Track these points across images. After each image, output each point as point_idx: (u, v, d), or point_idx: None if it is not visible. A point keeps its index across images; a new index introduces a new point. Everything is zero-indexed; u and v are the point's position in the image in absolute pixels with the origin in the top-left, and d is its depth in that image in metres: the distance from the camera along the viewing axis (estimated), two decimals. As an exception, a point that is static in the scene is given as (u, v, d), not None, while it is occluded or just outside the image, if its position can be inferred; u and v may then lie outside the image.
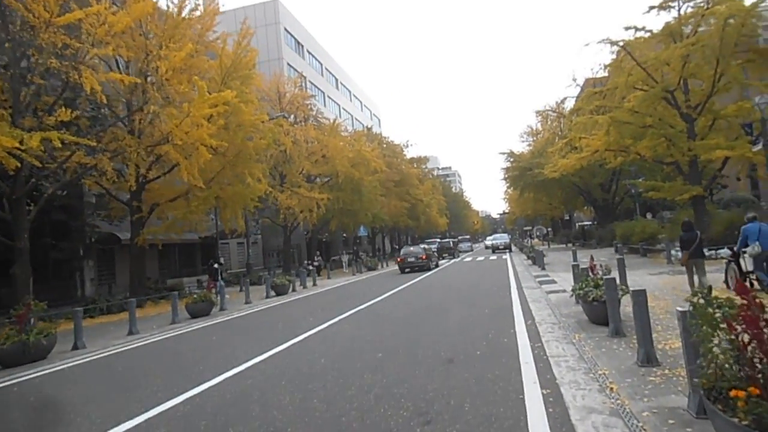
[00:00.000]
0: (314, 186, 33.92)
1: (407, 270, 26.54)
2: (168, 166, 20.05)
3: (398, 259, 28.58)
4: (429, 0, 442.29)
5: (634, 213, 38.59)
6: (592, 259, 8.37)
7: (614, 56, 21.16)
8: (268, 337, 8.93)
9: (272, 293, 18.49)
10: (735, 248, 9.60)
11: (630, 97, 22.35)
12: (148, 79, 18.56)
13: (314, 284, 22.17)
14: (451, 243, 47.33)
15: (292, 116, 35.09)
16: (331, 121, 36.41)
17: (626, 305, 7.43)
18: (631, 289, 5.21)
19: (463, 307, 10.71)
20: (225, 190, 21.39)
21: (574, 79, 47.44)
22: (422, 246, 31.62)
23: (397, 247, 71.41)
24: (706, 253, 10.51)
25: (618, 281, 7.95)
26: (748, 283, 9.01)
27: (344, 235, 51.50)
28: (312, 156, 33.41)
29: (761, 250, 8.79)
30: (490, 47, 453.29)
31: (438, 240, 51.61)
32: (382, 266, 34.97)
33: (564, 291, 11.93)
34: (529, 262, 24.76)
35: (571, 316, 8.40)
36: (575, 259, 18.17)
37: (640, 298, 5.05)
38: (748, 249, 8.99)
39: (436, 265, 30.10)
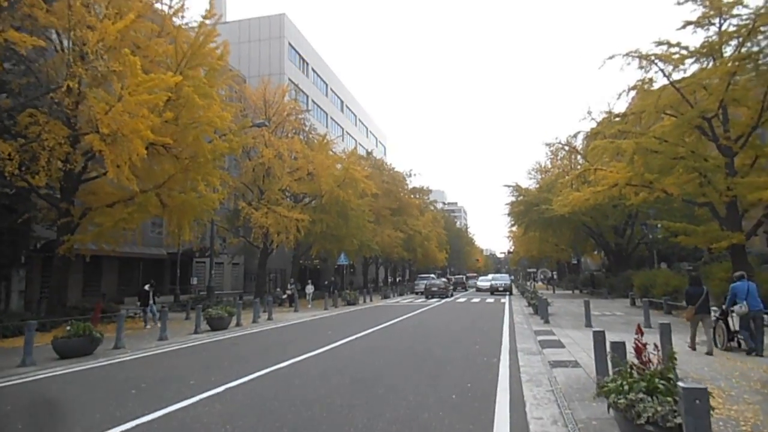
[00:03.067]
0: (296, 206, 30.53)
1: (430, 297, 35.09)
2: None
3: (425, 287, 37.25)
4: (443, 34, 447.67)
5: (649, 262, 34.89)
6: (639, 331, 4.76)
7: (643, 74, 17.79)
8: (81, 417, 5.35)
9: (206, 327, 14.86)
10: (724, 306, 9.62)
11: (655, 127, 19.08)
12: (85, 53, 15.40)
13: (269, 318, 18.45)
14: (464, 278, 57.36)
15: (281, 129, 32.02)
16: (322, 136, 33.17)
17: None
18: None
19: (421, 384, 7.03)
20: (173, 197, 18.01)
21: (589, 112, 44.48)
22: (443, 279, 41.85)
23: (391, 279, 67.49)
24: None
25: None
26: (735, 343, 9.49)
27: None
28: (296, 172, 30.14)
29: (748, 309, 8.89)
30: (504, 83, 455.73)
31: (432, 276, 47.99)
32: (364, 300, 31.15)
33: (576, 365, 8.27)
34: (530, 310, 21.01)
35: (594, 429, 4.77)
36: (589, 320, 14.55)
37: None
38: (735, 308, 9.09)
39: (452, 294, 38.50)
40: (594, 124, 23.13)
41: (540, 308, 17.54)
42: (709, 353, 9.00)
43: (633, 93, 19.87)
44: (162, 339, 12.47)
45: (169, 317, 20.47)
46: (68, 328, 9.98)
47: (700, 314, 9.50)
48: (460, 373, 7.64)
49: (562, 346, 10.48)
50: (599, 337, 6.22)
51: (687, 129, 17.59)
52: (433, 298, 34.58)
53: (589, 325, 14.42)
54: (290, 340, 12.46)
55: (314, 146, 31.48)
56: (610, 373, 6.08)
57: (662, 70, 16.96)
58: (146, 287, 17.13)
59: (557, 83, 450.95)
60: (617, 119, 19.68)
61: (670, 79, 16.91)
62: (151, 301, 16.89)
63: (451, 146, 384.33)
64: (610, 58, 17.44)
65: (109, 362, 9.44)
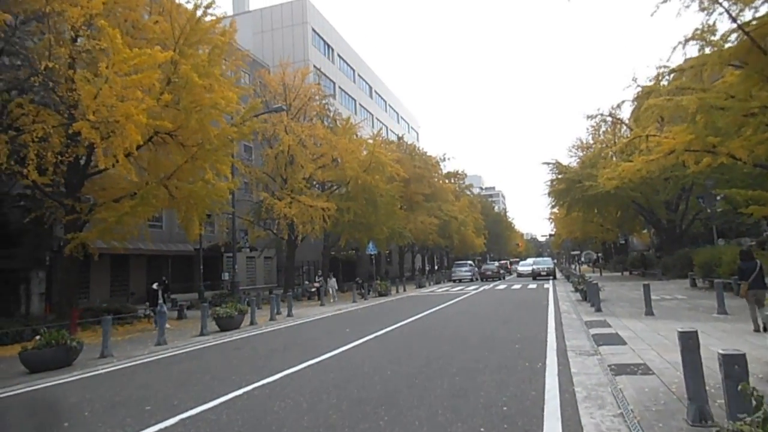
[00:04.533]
0: (321, 194, 29.08)
1: (485, 280, 40.31)
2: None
3: (481, 271, 43.18)
4: (473, 13, 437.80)
5: (704, 239, 31.84)
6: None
7: (704, 18, 15.24)
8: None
9: (216, 327, 13.52)
10: None
11: (718, 83, 16.55)
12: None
13: (289, 314, 17.02)
14: (508, 263, 60.49)
15: (304, 115, 30.51)
16: (346, 120, 31.50)
17: None
18: None
19: (441, 407, 5.27)
20: (180, 188, 16.75)
21: (635, 79, 41.18)
22: (496, 263, 47.66)
23: (429, 267, 65.52)
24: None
25: None
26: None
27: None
28: (320, 159, 28.64)
29: None
30: (540, 59, 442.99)
31: (470, 263, 46.00)
32: (397, 290, 29.53)
33: (647, 370, 6.34)
34: (578, 296, 18.87)
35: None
36: (650, 307, 12.45)
37: None
38: None
39: (504, 277, 43.92)
40: (639, 92, 20.64)
41: (590, 294, 15.46)
42: (757, 330, 8.86)
43: (690, 46, 17.35)
44: (160, 344, 11.15)
45: (188, 316, 19.51)
46: (38, 337, 8.71)
47: (753, 289, 9.11)
48: (493, 389, 5.84)
49: (623, 343, 8.51)
50: (689, 342, 4.30)
51: (758, 81, 15.03)
52: (486, 280, 39.70)
53: (650, 313, 12.32)
54: (300, 341, 10.91)
55: (338, 131, 29.87)
56: (709, 390, 4.20)
57: (728, 11, 14.40)
58: (154, 286, 16.01)
59: (597, 54, 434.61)
60: (671, 75, 17.17)
61: (738, 22, 14.36)
62: (160, 300, 15.69)
63: (486, 130, 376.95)
64: (665, 1, 14.97)
65: (81, 377, 8.10)
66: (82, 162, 16.64)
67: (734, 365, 3.26)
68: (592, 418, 4.64)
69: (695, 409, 4.15)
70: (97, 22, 12.64)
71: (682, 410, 4.54)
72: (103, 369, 8.65)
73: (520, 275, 44.27)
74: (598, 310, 13.60)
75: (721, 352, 3.37)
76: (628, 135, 27.35)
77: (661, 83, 18.84)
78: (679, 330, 4.43)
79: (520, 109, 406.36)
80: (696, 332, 4.36)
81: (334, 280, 24.46)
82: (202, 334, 12.71)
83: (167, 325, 15.98)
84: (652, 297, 14.95)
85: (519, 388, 5.83)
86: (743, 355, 3.29)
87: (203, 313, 13.12)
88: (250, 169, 28.02)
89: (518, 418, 4.73)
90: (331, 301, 22.49)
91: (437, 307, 17.47)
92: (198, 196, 16.87)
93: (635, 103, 20.92)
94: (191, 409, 5.49)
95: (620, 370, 6.44)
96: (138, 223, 16.57)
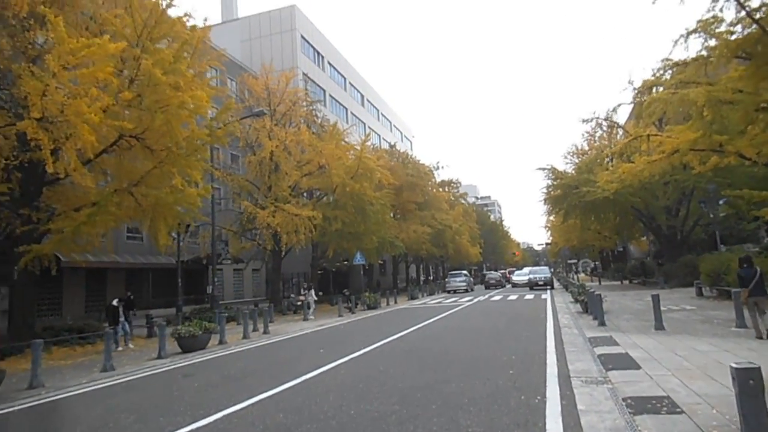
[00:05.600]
0: (307, 202, 27.80)
1: (489, 288, 42.70)
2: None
3: (485, 280, 46.53)
4: (466, 21, 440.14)
5: (706, 245, 30.64)
6: None
7: (710, 4, 14.15)
8: None
9: (178, 348, 12.13)
10: None
11: (724, 77, 15.45)
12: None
13: (265, 331, 15.63)
14: (507, 273, 59.20)
15: (290, 121, 29.31)
16: (332, 125, 30.31)
17: None
18: None
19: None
20: (147, 196, 15.43)
21: (631, 82, 40.35)
22: (499, 273, 51.08)
23: (424, 278, 64.12)
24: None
25: None
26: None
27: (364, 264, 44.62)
28: (306, 166, 27.40)
29: None
30: (535, 67, 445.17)
31: (465, 272, 44.57)
32: (388, 303, 28.15)
33: (672, 406, 5.03)
34: (578, 307, 17.58)
35: None
36: (660, 321, 11.15)
37: None
38: None
39: (504, 285, 44.87)
40: (640, 87, 19.53)
41: (591, 305, 14.20)
42: (759, 337, 8.82)
43: (692, 39, 16.27)
44: (105, 370, 9.76)
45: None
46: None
47: (754, 296, 9.01)
48: (480, 435, 4.51)
49: (636, 366, 7.20)
50: (750, 384, 3.03)
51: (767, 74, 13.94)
52: (489, 288, 41.98)
53: (660, 327, 11.01)
54: (263, 366, 9.52)
55: (325, 137, 28.66)
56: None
57: (736, -2, 13.27)
58: (114, 302, 14.58)
59: (592, 59, 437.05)
60: (673, 69, 16.05)
61: (747, 9, 13.25)
62: (122, 318, 14.30)
63: (482, 139, 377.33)
64: (666, -13, 13.87)
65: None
66: (41, 168, 15.38)
67: None
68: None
69: None
70: (41, 10, 11.38)
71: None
72: (20, 405, 7.28)
73: (515, 285, 42.76)
74: (602, 323, 12.30)
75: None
76: (626, 137, 26.27)
77: (662, 79, 17.80)
78: (734, 365, 3.15)
79: (515, 118, 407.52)
80: (759, 369, 3.08)
81: (312, 291, 22.91)
82: (159, 356, 11.31)
83: (130, 345, 14.68)
84: (663, 308, 13.67)
85: (513, 435, 4.52)
86: None
87: (161, 333, 11.72)
88: (233, 177, 26.79)
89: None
90: (311, 315, 20.99)
91: (426, 322, 16.12)
92: (165, 204, 15.56)
93: (635, 100, 19.81)
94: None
95: (639, 406, 5.14)
96: (98, 234, 15.22)
